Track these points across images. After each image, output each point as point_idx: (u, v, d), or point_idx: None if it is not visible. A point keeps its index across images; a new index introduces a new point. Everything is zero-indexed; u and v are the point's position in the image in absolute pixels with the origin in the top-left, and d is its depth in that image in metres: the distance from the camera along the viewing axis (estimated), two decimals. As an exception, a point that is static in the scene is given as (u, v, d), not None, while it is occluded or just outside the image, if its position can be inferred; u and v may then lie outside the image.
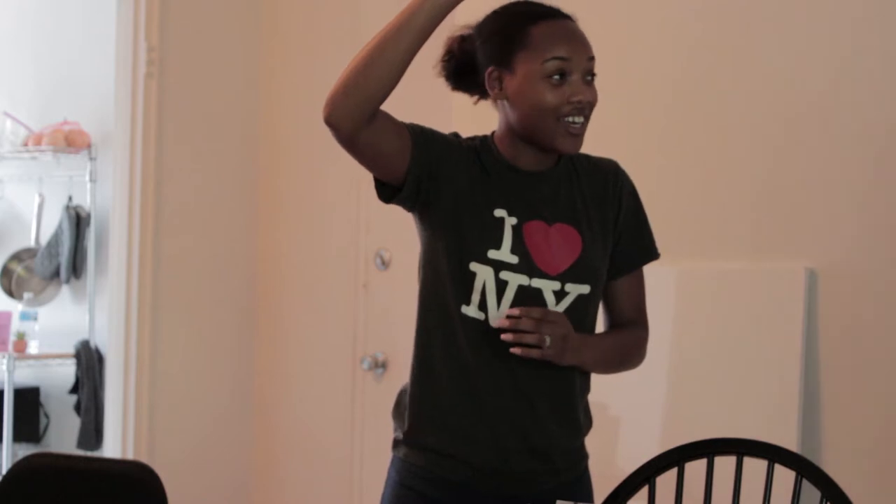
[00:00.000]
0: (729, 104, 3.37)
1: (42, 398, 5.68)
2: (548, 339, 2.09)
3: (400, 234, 4.47)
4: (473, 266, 2.15)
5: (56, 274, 5.62)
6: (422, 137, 2.15)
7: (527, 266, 2.16)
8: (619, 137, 3.33)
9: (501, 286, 2.15)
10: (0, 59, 5.94)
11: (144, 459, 4.48)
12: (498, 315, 2.15)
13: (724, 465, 2.33)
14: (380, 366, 4.54)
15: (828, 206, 3.18)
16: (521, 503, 2.19)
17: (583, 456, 2.30)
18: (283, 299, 4.91)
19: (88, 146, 5.55)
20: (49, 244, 5.64)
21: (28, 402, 5.58)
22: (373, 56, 2.02)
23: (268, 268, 4.96)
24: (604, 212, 2.25)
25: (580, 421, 2.27)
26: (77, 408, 5.40)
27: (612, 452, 3.39)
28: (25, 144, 5.69)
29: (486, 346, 2.16)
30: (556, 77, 2.13)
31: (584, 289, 2.20)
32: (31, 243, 5.80)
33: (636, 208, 2.29)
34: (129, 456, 4.70)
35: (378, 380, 4.54)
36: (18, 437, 5.44)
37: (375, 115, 2.06)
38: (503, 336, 2.10)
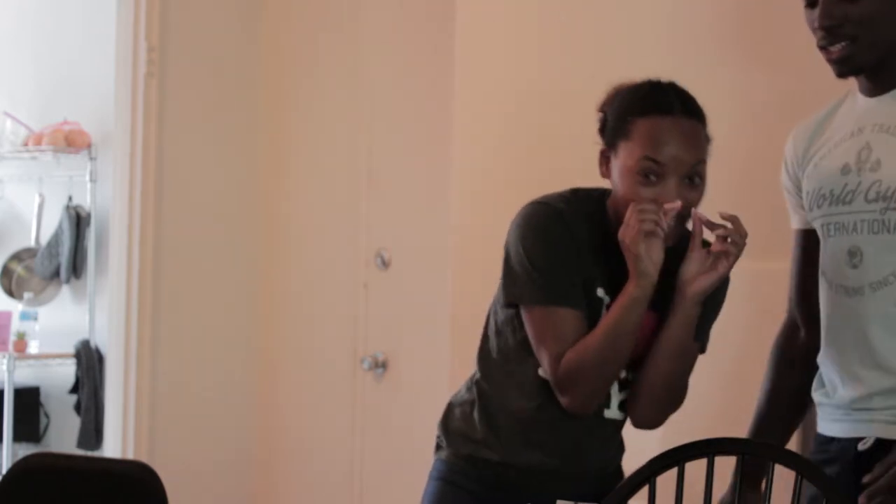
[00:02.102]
0: (728, 103, 3.36)
1: (42, 398, 5.68)
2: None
3: (400, 234, 4.47)
4: None
5: (56, 274, 5.61)
6: (581, 298, 2.17)
7: None
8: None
9: None
10: (0, 59, 5.94)
11: (144, 459, 4.46)
12: None
13: (724, 465, 2.33)
14: (380, 366, 4.54)
15: (828, 206, 3.17)
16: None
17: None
18: (283, 299, 4.91)
19: (88, 146, 5.55)
20: (49, 244, 5.64)
21: (28, 402, 5.58)
22: (608, 356, 2.14)
23: (268, 267, 4.96)
24: None
25: (620, 451, 2.46)
26: (77, 408, 5.39)
27: (612, 452, 3.39)
28: (25, 144, 5.68)
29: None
30: (651, 176, 2.10)
31: None
32: (31, 243, 5.80)
33: (719, 297, 2.31)
34: (129, 456, 4.69)
35: (378, 380, 4.54)
36: (18, 437, 5.44)
37: None
38: (714, 248, 2.16)
